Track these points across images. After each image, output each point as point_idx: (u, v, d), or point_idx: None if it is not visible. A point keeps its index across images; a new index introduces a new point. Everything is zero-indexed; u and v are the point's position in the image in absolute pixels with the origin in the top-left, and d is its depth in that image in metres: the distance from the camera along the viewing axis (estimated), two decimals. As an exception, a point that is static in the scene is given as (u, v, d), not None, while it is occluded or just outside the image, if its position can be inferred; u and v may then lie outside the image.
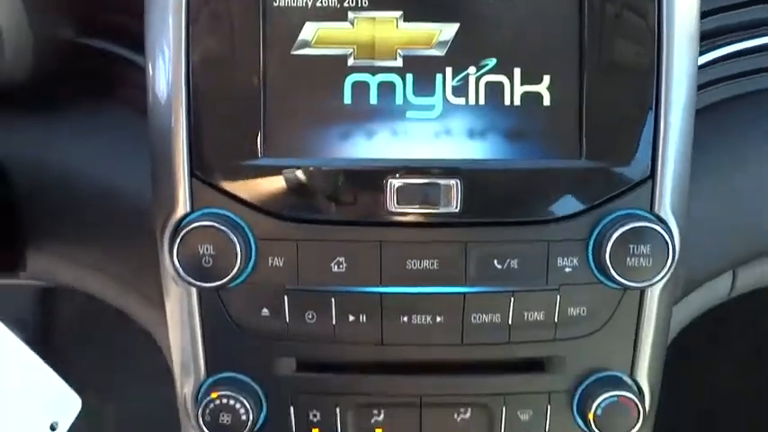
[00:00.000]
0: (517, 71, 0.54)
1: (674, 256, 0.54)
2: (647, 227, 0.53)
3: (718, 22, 0.65)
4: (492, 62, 0.54)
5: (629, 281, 0.54)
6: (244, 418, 0.56)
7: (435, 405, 0.58)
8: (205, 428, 0.57)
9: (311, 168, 0.54)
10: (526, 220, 0.55)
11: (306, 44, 0.54)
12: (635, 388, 0.58)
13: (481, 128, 0.54)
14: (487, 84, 0.54)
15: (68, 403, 0.58)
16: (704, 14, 0.61)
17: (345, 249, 0.55)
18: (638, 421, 0.57)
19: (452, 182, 0.53)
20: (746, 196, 0.64)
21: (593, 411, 0.56)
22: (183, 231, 0.53)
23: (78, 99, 0.64)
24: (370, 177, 0.54)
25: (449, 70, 0.54)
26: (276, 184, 0.54)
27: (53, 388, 0.58)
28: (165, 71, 0.54)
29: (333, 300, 0.55)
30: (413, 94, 0.54)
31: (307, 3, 0.54)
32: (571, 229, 0.55)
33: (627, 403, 0.56)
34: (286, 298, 0.55)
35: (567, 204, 0.55)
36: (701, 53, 0.64)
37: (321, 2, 0.54)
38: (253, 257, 0.54)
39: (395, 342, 0.56)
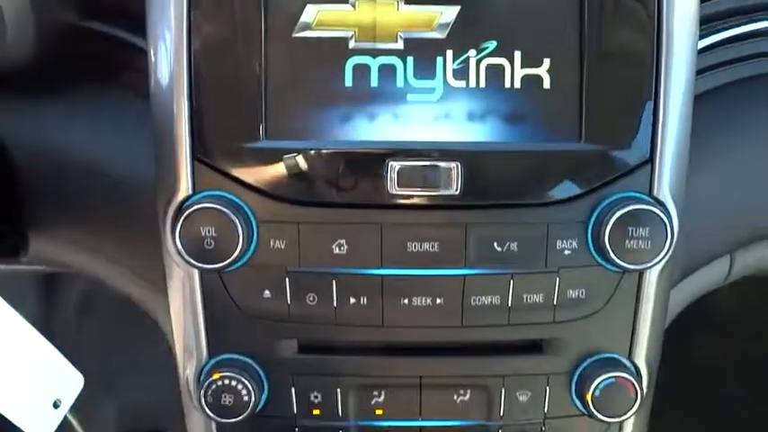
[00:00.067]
0: (517, 54, 0.54)
1: (672, 239, 0.54)
2: (645, 209, 0.53)
3: (717, 6, 0.66)
4: (492, 45, 0.54)
5: (627, 263, 0.54)
6: (246, 399, 0.57)
7: (435, 386, 0.59)
8: (207, 409, 0.57)
9: (312, 151, 0.54)
10: (526, 202, 0.55)
11: (307, 27, 0.54)
12: (633, 369, 0.58)
13: (481, 111, 0.54)
14: (488, 66, 0.54)
15: (71, 380, 0.59)
16: (703, -1, 0.61)
17: (346, 231, 0.55)
18: (635, 402, 0.57)
19: (452, 164, 0.54)
20: (744, 181, 0.64)
21: (591, 392, 0.57)
22: (186, 213, 0.53)
23: (80, 82, 0.64)
24: (371, 160, 0.54)
25: (449, 53, 0.54)
26: (277, 166, 0.54)
27: (55, 365, 0.58)
28: (167, 55, 0.54)
29: (334, 282, 0.56)
30: (413, 77, 0.54)
31: None
32: (570, 211, 0.55)
33: (625, 384, 0.57)
34: (287, 280, 0.56)
35: (567, 187, 0.55)
36: (700, 38, 0.64)
37: None
38: (254, 239, 0.55)
39: (395, 324, 0.57)
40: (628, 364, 0.59)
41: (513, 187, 0.55)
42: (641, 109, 0.55)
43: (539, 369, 0.59)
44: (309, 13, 0.54)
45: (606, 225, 0.53)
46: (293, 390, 0.59)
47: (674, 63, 0.54)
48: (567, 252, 0.55)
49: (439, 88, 0.54)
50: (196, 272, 0.56)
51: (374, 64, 0.54)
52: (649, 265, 0.55)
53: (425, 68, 0.54)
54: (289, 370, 0.59)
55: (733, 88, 0.67)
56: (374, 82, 0.54)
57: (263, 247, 0.55)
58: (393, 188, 0.54)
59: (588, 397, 0.57)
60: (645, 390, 0.59)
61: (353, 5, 0.54)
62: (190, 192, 0.55)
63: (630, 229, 0.53)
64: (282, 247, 0.55)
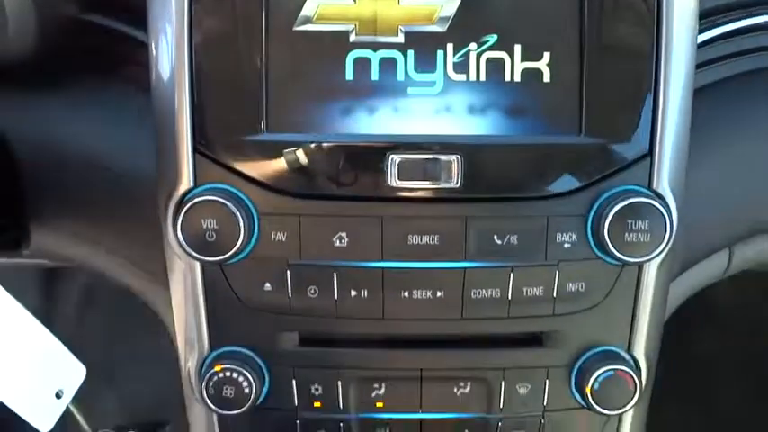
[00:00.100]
0: (518, 48, 0.54)
1: (671, 232, 0.54)
2: (645, 203, 0.54)
3: (717, 0, 0.66)
4: (493, 38, 0.54)
5: (627, 256, 0.54)
6: (247, 391, 0.57)
7: (435, 379, 0.59)
8: (209, 401, 0.57)
9: (313, 144, 0.54)
10: (526, 195, 0.55)
11: (308, 20, 0.54)
12: (632, 362, 0.59)
13: (482, 104, 0.55)
14: (488, 60, 0.54)
15: (73, 371, 0.59)
16: (703, -7, 0.61)
17: (347, 224, 0.55)
18: (634, 395, 0.58)
19: (453, 157, 0.54)
20: (744, 175, 0.64)
21: (590, 385, 0.57)
22: (187, 206, 0.53)
23: (81, 76, 0.64)
24: (372, 153, 0.54)
25: (450, 46, 0.54)
26: (278, 159, 0.54)
27: (58, 356, 0.58)
28: (168, 48, 0.54)
29: (335, 274, 0.56)
30: (414, 71, 0.54)
31: None
32: (570, 204, 0.55)
33: (624, 377, 0.57)
34: (288, 273, 0.56)
35: (567, 180, 0.55)
36: (700, 31, 0.64)
37: None
38: (255, 232, 0.55)
39: (396, 316, 0.57)
40: (627, 356, 0.59)
41: (513, 180, 0.55)
42: (641, 103, 0.55)
43: (538, 362, 0.59)
44: (310, 7, 0.54)
45: (606, 218, 0.54)
46: (294, 382, 0.59)
47: (674, 57, 0.54)
48: (566, 245, 0.56)
49: (439, 82, 0.55)
50: (197, 264, 0.57)
51: (375, 57, 0.54)
52: (649, 258, 0.55)
53: (426, 62, 0.54)
54: (290, 362, 0.59)
55: (733, 82, 0.67)
56: (375, 75, 0.54)
57: (265, 240, 0.55)
58: (394, 181, 0.54)
59: (587, 389, 0.57)
60: (644, 382, 0.59)
61: (354, -1, 0.54)
62: (191, 185, 0.55)
63: (630, 222, 0.54)
64: (283, 239, 0.55)
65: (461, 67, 0.54)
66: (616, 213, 0.54)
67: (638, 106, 0.55)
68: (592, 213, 0.55)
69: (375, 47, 0.54)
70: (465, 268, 0.56)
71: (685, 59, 0.55)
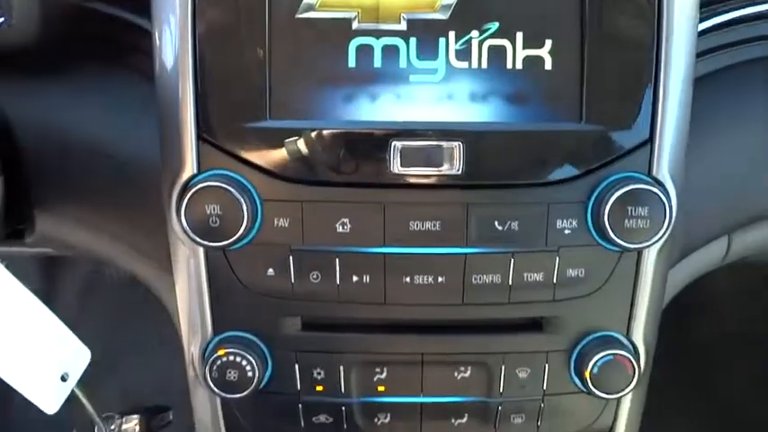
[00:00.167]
0: (519, 35, 0.54)
1: (670, 219, 0.55)
2: (644, 189, 0.54)
3: (718, -11, 0.66)
4: (494, 26, 0.54)
5: (626, 242, 0.55)
6: (250, 374, 0.58)
7: (436, 363, 0.60)
8: (212, 385, 0.58)
9: (316, 131, 0.55)
10: (527, 182, 0.56)
11: (310, 7, 0.54)
12: (631, 347, 0.59)
13: (483, 91, 0.55)
14: (490, 47, 0.55)
15: (78, 354, 0.60)
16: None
17: (349, 210, 0.56)
18: (633, 379, 0.58)
19: (455, 144, 0.54)
20: (743, 162, 0.65)
21: (589, 369, 0.58)
22: (191, 192, 0.54)
23: (84, 63, 0.65)
24: (374, 140, 0.55)
25: (452, 34, 0.54)
26: (281, 146, 0.55)
27: (62, 339, 0.59)
28: (172, 37, 0.54)
29: (337, 260, 0.56)
30: (416, 58, 0.55)
31: None
32: (571, 191, 0.56)
33: (622, 361, 0.58)
34: (291, 258, 0.57)
35: (567, 167, 0.56)
36: (701, 20, 0.64)
37: None
38: (259, 218, 0.55)
39: (397, 302, 0.58)
40: (626, 342, 0.59)
41: (514, 167, 0.56)
42: (641, 90, 0.55)
43: (538, 347, 0.60)
44: (313, -6, 0.54)
45: (606, 204, 0.54)
46: (297, 366, 0.60)
47: (675, 45, 0.55)
48: (567, 231, 0.56)
49: (441, 69, 0.55)
50: (201, 250, 0.57)
51: (377, 45, 0.54)
52: (648, 244, 0.55)
53: (428, 49, 0.55)
54: (292, 347, 0.60)
55: (733, 71, 0.67)
56: (377, 62, 0.55)
57: (267, 226, 0.56)
58: (396, 168, 0.55)
59: (587, 374, 0.58)
60: (642, 367, 0.60)
61: (357, -14, 0.54)
62: (195, 171, 0.55)
63: (630, 208, 0.54)
64: (286, 225, 0.56)
65: (463, 54, 0.55)
66: (616, 200, 0.54)
67: (638, 94, 0.55)
68: (592, 200, 0.56)
69: (377, 34, 0.54)
70: (466, 254, 0.56)
71: (686, 48, 0.55)
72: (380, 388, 0.60)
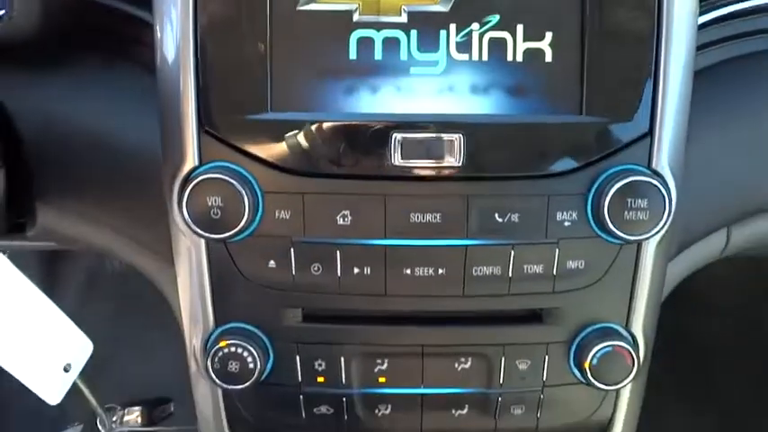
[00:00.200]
0: (520, 27, 0.54)
1: (670, 211, 0.55)
2: (644, 181, 0.54)
3: (718, -19, 0.66)
4: (495, 18, 0.54)
5: (626, 234, 0.55)
6: (251, 366, 0.58)
7: (437, 355, 0.60)
8: (214, 376, 0.58)
9: (317, 123, 0.55)
10: (527, 174, 0.56)
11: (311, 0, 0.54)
12: (630, 339, 0.60)
13: (484, 83, 0.55)
14: (491, 40, 0.55)
15: (80, 346, 0.60)
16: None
17: (350, 202, 0.56)
18: (632, 370, 0.59)
19: (455, 136, 0.54)
20: (742, 155, 0.65)
21: (588, 361, 0.58)
22: (192, 183, 0.54)
23: (85, 55, 0.65)
24: (375, 132, 0.55)
25: (453, 26, 0.55)
26: (282, 138, 0.55)
27: (65, 330, 0.59)
28: (173, 29, 0.54)
29: (338, 252, 0.57)
30: (417, 50, 0.55)
31: None
32: (571, 183, 0.56)
33: (621, 352, 0.58)
34: (292, 250, 0.57)
35: (567, 159, 0.56)
36: (701, 13, 0.65)
37: None
38: (260, 210, 0.56)
39: (398, 293, 0.58)
40: (625, 333, 0.60)
41: (514, 159, 0.56)
42: (641, 83, 0.55)
43: (538, 338, 0.60)
44: (314, -14, 0.54)
45: (606, 196, 0.54)
46: (298, 358, 0.60)
47: (675, 38, 0.55)
48: (566, 223, 0.56)
49: (442, 61, 0.55)
50: (203, 242, 0.57)
51: (378, 37, 0.55)
52: (647, 236, 0.56)
53: (429, 42, 0.55)
54: (293, 338, 0.60)
55: (731, 65, 0.67)
56: (378, 55, 0.55)
57: (269, 218, 0.56)
58: (397, 160, 0.55)
59: (586, 365, 0.58)
60: (641, 358, 0.60)
61: (358, -22, 0.54)
62: (196, 163, 0.55)
63: (629, 200, 0.54)
64: (287, 217, 0.56)
65: (464, 46, 0.55)
66: (616, 192, 0.54)
67: (638, 86, 0.55)
68: (592, 192, 0.56)
69: (378, 26, 0.55)
70: (466, 246, 0.57)
71: (686, 40, 0.56)
72: (381, 379, 0.61)
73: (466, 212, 0.56)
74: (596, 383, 0.59)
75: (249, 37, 0.54)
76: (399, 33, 0.55)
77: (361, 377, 0.61)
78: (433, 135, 0.55)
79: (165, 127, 0.57)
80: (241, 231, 0.55)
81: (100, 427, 0.74)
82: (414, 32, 0.55)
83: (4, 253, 0.58)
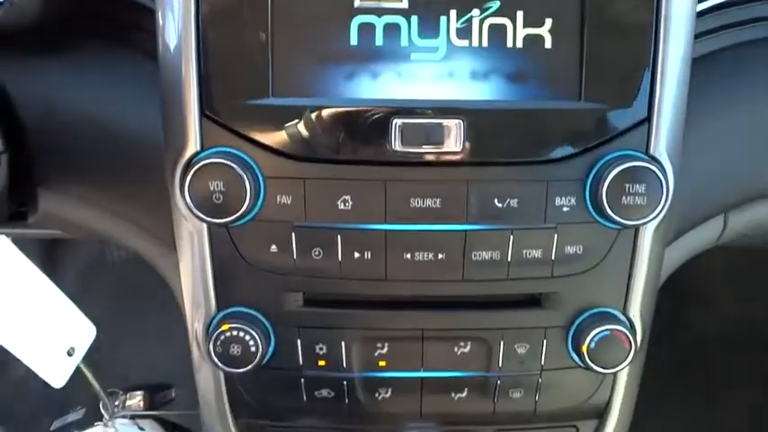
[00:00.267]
0: (520, 14, 0.55)
1: (667, 196, 0.56)
2: (642, 166, 0.55)
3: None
4: (495, 5, 0.55)
5: (624, 219, 0.56)
6: (253, 349, 0.59)
7: (436, 339, 0.61)
8: (216, 359, 0.59)
9: (317, 108, 0.55)
10: (526, 159, 0.57)
11: None
12: (627, 323, 0.60)
13: (484, 69, 0.56)
14: (491, 26, 0.55)
15: (84, 330, 0.61)
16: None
17: (351, 188, 0.56)
18: (629, 354, 0.59)
19: (455, 122, 0.55)
20: (740, 141, 0.66)
21: (586, 344, 0.59)
22: (194, 168, 0.54)
23: (86, 41, 0.65)
24: (376, 117, 0.55)
25: (453, 12, 0.55)
26: (283, 123, 0.55)
27: (69, 315, 0.60)
28: (175, 14, 0.54)
29: (339, 237, 0.57)
30: (418, 36, 0.55)
31: None
32: (569, 169, 0.56)
33: (619, 336, 0.59)
34: (293, 235, 0.57)
35: (566, 145, 0.56)
36: (698, 1, 0.65)
37: None
38: (261, 195, 0.56)
39: (398, 278, 0.58)
40: (622, 317, 0.60)
41: (514, 145, 0.56)
42: (640, 70, 0.56)
43: (536, 322, 0.61)
44: (315, -28, 0.54)
45: (604, 182, 0.55)
46: (299, 342, 0.61)
47: (673, 25, 0.55)
48: (565, 209, 0.57)
49: (442, 47, 0.55)
50: (205, 227, 0.58)
51: (379, 23, 0.55)
52: (645, 221, 0.56)
53: (429, 28, 0.55)
54: (295, 322, 0.60)
55: (729, 52, 0.67)
56: (379, 41, 0.55)
57: (270, 203, 0.56)
58: (397, 145, 0.55)
59: (584, 349, 0.59)
60: (638, 342, 0.61)
61: (359, -36, 0.54)
62: (198, 148, 0.56)
63: (627, 185, 0.55)
64: (289, 202, 0.56)
65: (464, 32, 0.55)
66: (614, 177, 0.55)
67: (637, 73, 0.56)
68: (590, 177, 0.56)
69: (379, 12, 0.55)
70: (466, 231, 0.57)
71: (684, 28, 0.56)
72: (381, 363, 0.61)
73: (465, 198, 0.57)
74: (594, 367, 0.60)
75: (250, 23, 0.54)
76: (400, 19, 0.55)
77: (362, 361, 0.61)
78: (434, 121, 0.55)
79: (166, 113, 0.57)
80: (243, 216, 0.56)
81: (103, 411, 0.75)
82: (414, 18, 0.55)
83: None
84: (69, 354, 0.59)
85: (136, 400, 0.81)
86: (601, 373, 0.61)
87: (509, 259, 0.58)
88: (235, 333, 0.58)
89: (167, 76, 0.56)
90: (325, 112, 0.55)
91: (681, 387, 1.32)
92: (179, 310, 0.66)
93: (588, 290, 0.60)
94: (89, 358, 0.64)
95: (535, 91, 0.56)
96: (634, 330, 0.61)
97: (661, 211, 0.56)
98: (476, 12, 0.55)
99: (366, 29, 0.55)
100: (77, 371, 0.61)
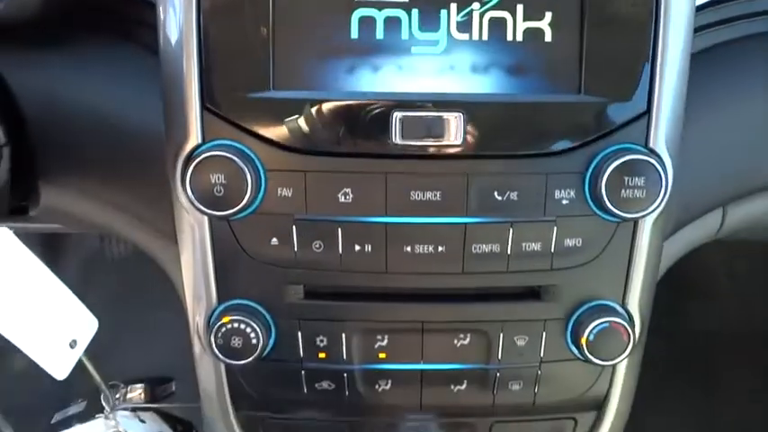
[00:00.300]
0: (520, 7, 0.55)
1: (666, 189, 0.56)
2: (641, 159, 0.55)
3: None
4: None
5: (623, 212, 0.56)
6: (254, 342, 0.59)
7: (436, 331, 0.61)
8: (217, 352, 0.59)
9: (318, 101, 0.55)
10: (526, 153, 0.57)
11: None
12: (626, 315, 0.61)
13: (484, 63, 0.56)
14: (491, 19, 0.55)
15: (86, 323, 0.61)
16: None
17: (352, 180, 0.57)
18: (628, 346, 0.60)
19: (455, 115, 0.55)
20: (739, 135, 0.66)
21: (585, 336, 0.59)
22: (196, 161, 0.55)
23: (87, 34, 0.65)
24: (376, 110, 0.55)
25: (453, 6, 0.55)
26: (284, 116, 0.56)
27: (71, 307, 0.60)
28: (176, 9, 0.55)
29: (339, 229, 0.57)
30: (418, 30, 0.55)
31: None
32: (569, 162, 0.57)
33: (618, 328, 0.59)
34: (294, 227, 0.58)
35: (566, 138, 0.57)
36: (698, -6, 0.65)
37: None
38: (262, 187, 0.56)
39: (398, 270, 0.59)
40: (621, 310, 0.61)
41: (514, 138, 0.57)
42: (639, 63, 0.56)
43: (536, 315, 0.61)
44: (316, -35, 0.54)
45: (603, 175, 0.55)
46: (299, 334, 0.61)
47: (672, 19, 0.56)
48: (564, 201, 0.57)
49: (443, 41, 0.56)
50: (206, 219, 0.58)
51: (379, 16, 0.55)
52: (644, 214, 0.56)
53: (430, 21, 0.55)
54: (295, 315, 0.61)
55: (728, 46, 0.68)
56: (379, 34, 0.55)
57: (271, 195, 0.57)
58: (397, 138, 0.55)
59: (583, 341, 0.59)
60: (637, 334, 0.61)
61: (359, -43, 0.55)
62: (199, 141, 0.56)
63: (626, 178, 0.55)
64: (289, 195, 0.57)
65: (464, 26, 0.55)
66: (613, 170, 0.55)
67: (636, 67, 0.56)
68: (590, 170, 0.57)
69: (380, 6, 0.55)
70: (466, 224, 0.57)
71: (684, 22, 0.56)
72: (381, 355, 0.62)
73: (465, 190, 0.57)
74: (593, 359, 0.60)
75: (252, 16, 0.55)
76: (401, 13, 0.55)
77: (362, 353, 0.62)
78: (434, 114, 0.55)
79: (168, 106, 0.57)
80: (244, 209, 0.56)
81: (104, 404, 0.75)
82: (415, 12, 0.55)
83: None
84: (71, 346, 0.59)
85: (137, 392, 0.82)
86: (599, 365, 0.61)
87: (509, 252, 0.58)
88: (236, 325, 0.59)
89: (168, 69, 0.56)
90: (326, 106, 0.55)
91: (679, 380, 1.32)
92: (179, 304, 0.66)
93: (587, 282, 0.60)
94: (89, 351, 0.64)
95: (535, 84, 0.56)
96: (633, 323, 0.61)
97: (660, 204, 0.56)
98: (476, 5, 0.55)
99: (366, 22, 0.55)
100: (77, 364, 0.62)
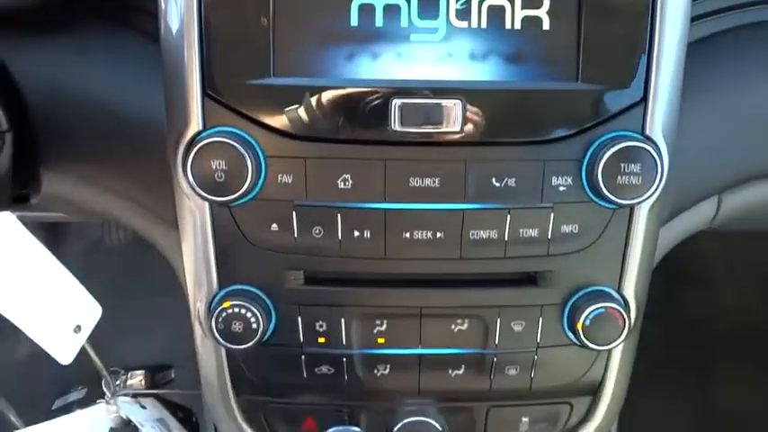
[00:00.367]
0: None
1: (662, 175, 0.56)
2: (637, 146, 0.56)
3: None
4: None
5: (619, 198, 0.57)
6: (254, 326, 0.60)
7: (434, 316, 0.62)
8: (218, 336, 0.60)
9: (318, 88, 0.56)
10: (524, 140, 0.57)
11: None
12: (621, 301, 0.61)
13: (483, 50, 0.56)
14: (490, 7, 0.56)
15: (89, 308, 0.61)
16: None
17: (351, 167, 0.57)
18: (623, 331, 0.60)
19: (454, 102, 0.56)
20: (735, 123, 0.66)
21: (581, 322, 0.60)
22: (197, 147, 0.55)
23: (88, 21, 0.65)
24: (375, 97, 0.56)
25: None
26: (284, 103, 0.56)
27: (75, 292, 0.60)
28: None
29: (339, 215, 0.58)
30: (417, 17, 0.56)
31: None
32: (566, 149, 0.57)
33: (613, 314, 0.60)
34: (294, 213, 0.58)
35: (563, 125, 0.57)
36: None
37: None
38: (262, 174, 0.57)
39: (397, 256, 0.59)
40: (617, 296, 0.62)
41: (511, 125, 0.57)
42: (636, 51, 0.57)
43: (533, 301, 0.62)
44: (316, -47, 0.54)
45: (600, 161, 0.56)
46: (299, 319, 0.62)
47: (669, 8, 0.56)
48: (561, 188, 0.58)
49: (442, 28, 0.56)
50: (207, 205, 0.59)
51: (379, 4, 0.55)
52: (640, 200, 0.57)
53: (429, 9, 0.56)
54: (295, 300, 0.61)
55: (725, 36, 0.68)
56: (379, 22, 0.56)
57: (271, 182, 0.57)
58: (396, 125, 0.56)
59: (579, 326, 0.60)
60: (632, 320, 0.62)
61: (359, -55, 0.55)
62: (200, 127, 0.56)
63: (623, 165, 0.56)
64: (289, 181, 0.57)
65: (463, 14, 0.56)
66: (610, 157, 0.56)
67: (633, 54, 0.57)
68: (587, 157, 0.57)
69: None
70: (464, 210, 0.58)
71: (680, 11, 0.57)
72: (380, 340, 0.62)
73: (464, 177, 0.57)
74: (588, 344, 0.61)
75: (252, 4, 0.55)
76: (400, 0, 0.55)
77: (361, 338, 0.62)
78: (433, 101, 0.56)
79: (169, 92, 0.57)
80: (244, 195, 0.56)
81: (105, 390, 0.76)
82: (414, 0, 0.55)
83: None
84: (75, 331, 0.60)
85: (137, 379, 0.82)
86: (595, 350, 0.62)
87: (506, 238, 0.59)
88: (236, 310, 0.59)
89: (170, 56, 0.57)
90: (326, 93, 0.56)
91: (675, 367, 1.33)
92: (178, 291, 0.66)
93: (583, 268, 0.61)
94: (90, 338, 0.65)
95: (533, 72, 0.56)
96: (628, 308, 0.62)
97: (656, 190, 0.57)
98: None
99: (366, 10, 0.55)
100: (77, 350, 0.62)
